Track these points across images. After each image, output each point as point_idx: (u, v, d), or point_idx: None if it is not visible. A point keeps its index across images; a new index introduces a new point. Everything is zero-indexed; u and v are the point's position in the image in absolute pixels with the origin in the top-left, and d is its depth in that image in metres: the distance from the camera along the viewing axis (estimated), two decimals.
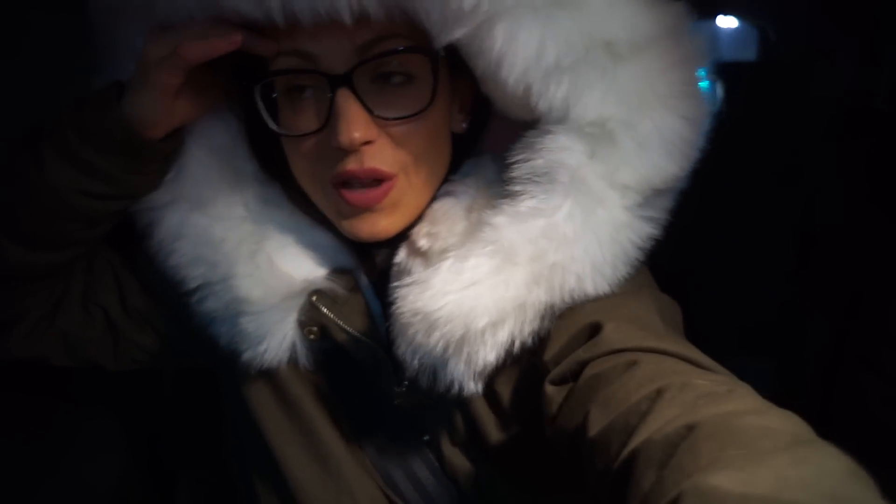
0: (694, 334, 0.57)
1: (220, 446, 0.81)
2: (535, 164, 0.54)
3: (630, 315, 0.55)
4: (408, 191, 0.58)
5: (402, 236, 0.61)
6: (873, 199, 0.93)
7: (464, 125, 0.63)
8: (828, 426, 0.40)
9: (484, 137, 0.64)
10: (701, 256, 1.44)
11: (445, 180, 0.62)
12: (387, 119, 0.54)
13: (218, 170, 0.63)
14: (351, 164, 0.55)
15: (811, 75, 1.44)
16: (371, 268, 0.66)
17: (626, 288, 0.56)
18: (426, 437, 0.68)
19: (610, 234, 0.54)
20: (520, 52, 0.50)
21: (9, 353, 0.69)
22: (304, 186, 0.61)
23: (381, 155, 0.55)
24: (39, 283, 0.65)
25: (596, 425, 0.46)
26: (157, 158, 0.60)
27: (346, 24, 0.50)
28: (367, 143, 0.54)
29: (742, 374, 0.48)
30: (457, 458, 0.67)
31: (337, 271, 0.65)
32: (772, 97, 1.47)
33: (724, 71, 1.63)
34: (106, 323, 0.71)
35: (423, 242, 0.59)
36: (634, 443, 0.41)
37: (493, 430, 0.64)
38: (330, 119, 0.53)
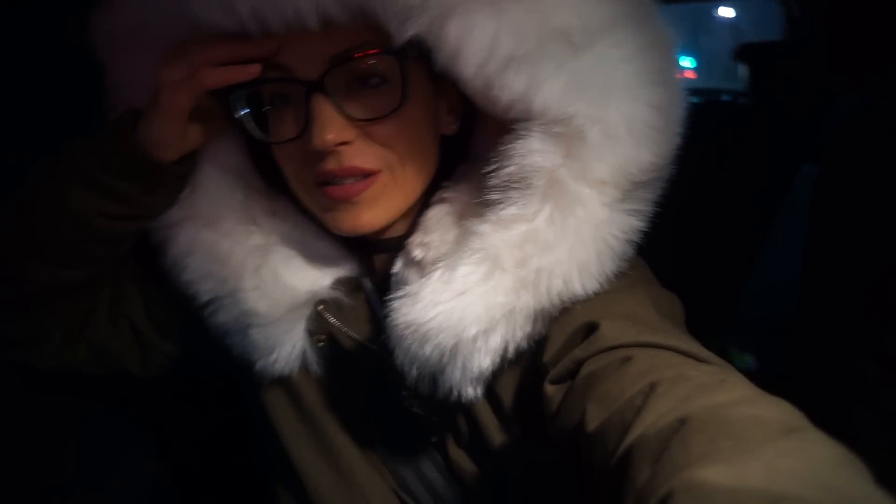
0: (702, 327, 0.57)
1: (243, 453, 0.84)
2: (509, 171, 0.54)
3: (625, 311, 0.55)
4: (392, 187, 0.59)
5: (401, 243, 0.62)
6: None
7: (454, 126, 0.63)
8: (834, 417, 0.40)
9: (478, 140, 0.64)
10: (720, 244, 1.43)
11: (440, 186, 0.62)
12: (360, 120, 0.55)
13: (228, 187, 0.65)
14: (330, 164, 0.56)
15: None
16: (374, 274, 0.67)
17: (621, 284, 0.56)
18: (434, 439, 0.69)
19: (591, 233, 0.53)
20: (474, 45, 0.50)
21: (41, 364, 0.72)
22: (294, 190, 0.62)
23: (360, 154, 0.56)
24: (67, 299, 0.68)
25: (593, 422, 0.46)
26: (173, 180, 0.62)
27: (313, 28, 0.51)
28: (344, 143, 0.55)
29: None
30: (462, 459, 0.68)
31: (342, 280, 0.66)
32: (798, 76, 1.44)
33: (748, 52, 1.61)
34: (133, 333, 0.74)
35: (416, 252, 0.60)
36: (630, 438, 0.42)
37: (495, 433, 0.64)
38: (307, 125, 0.55)
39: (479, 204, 0.58)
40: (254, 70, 0.55)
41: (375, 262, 0.66)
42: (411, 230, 0.62)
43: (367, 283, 0.67)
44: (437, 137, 0.62)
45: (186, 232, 0.64)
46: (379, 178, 0.57)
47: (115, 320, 0.72)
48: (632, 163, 0.52)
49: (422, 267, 0.59)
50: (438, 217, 0.60)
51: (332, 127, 0.54)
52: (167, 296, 0.70)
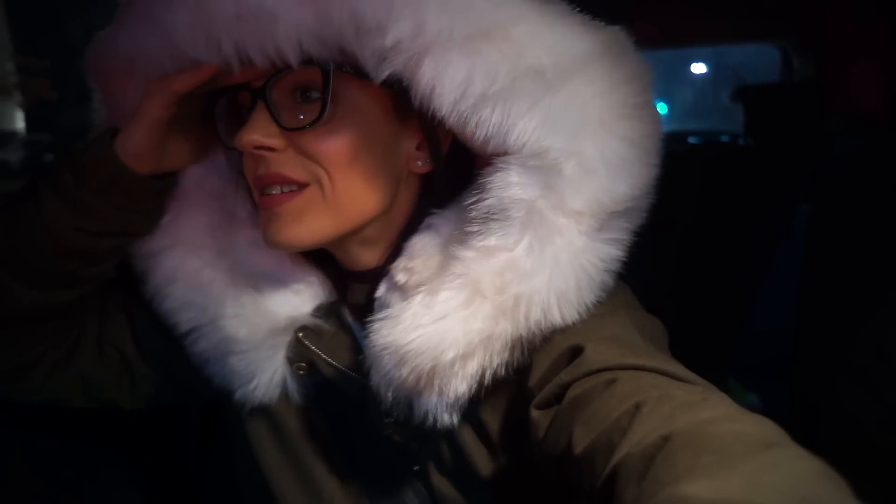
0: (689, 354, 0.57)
1: (228, 488, 0.83)
2: (489, 202, 0.55)
3: (609, 335, 0.55)
4: (320, 205, 0.58)
5: (381, 272, 0.62)
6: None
7: (424, 164, 0.62)
8: (819, 445, 0.40)
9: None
10: (709, 275, 1.44)
11: (429, 213, 0.62)
12: (287, 129, 0.56)
13: (213, 215, 0.66)
14: (260, 169, 0.57)
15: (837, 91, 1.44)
16: (352, 303, 0.67)
17: (603, 310, 0.57)
18: (416, 468, 0.68)
19: (570, 260, 0.54)
20: (447, 84, 0.52)
21: (29, 397, 0.71)
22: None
23: (289, 164, 0.57)
24: (52, 324, 0.67)
25: (580, 445, 0.47)
26: (150, 196, 0.63)
27: (294, 65, 0.54)
28: (271, 150, 0.56)
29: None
30: (446, 487, 0.67)
31: (322, 307, 0.66)
32: (794, 118, 1.47)
33: (745, 93, 1.64)
34: (121, 363, 0.73)
35: (400, 277, 0.59)
36: (616, 458, 0.42)
37: (482, 460, 0.63)
38: None
39: (464, 231, 0.58)
40: (212, 67, 0.56)
41: (352, 291, 0.66)
42: (389, 260, 0.62)
43: (347, 311, 0.67)
44: (397, 171, 0.61)
45: (169, 260, 0.65)
46: (305, 193, 0.57)
47: (104, 349, 0.72)
48: (607, 194, 0.53)
49: (404, 291, 0.59)
50: (424, 243, 0.60)
51: (257, 129, 0.56)
52: (157, 323, 0.69)
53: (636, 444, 0.42)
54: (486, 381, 0.55)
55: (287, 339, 0.66)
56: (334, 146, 0.57)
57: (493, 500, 0.65)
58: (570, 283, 0.54)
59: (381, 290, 0.61)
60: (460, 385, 0.55)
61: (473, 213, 0.56)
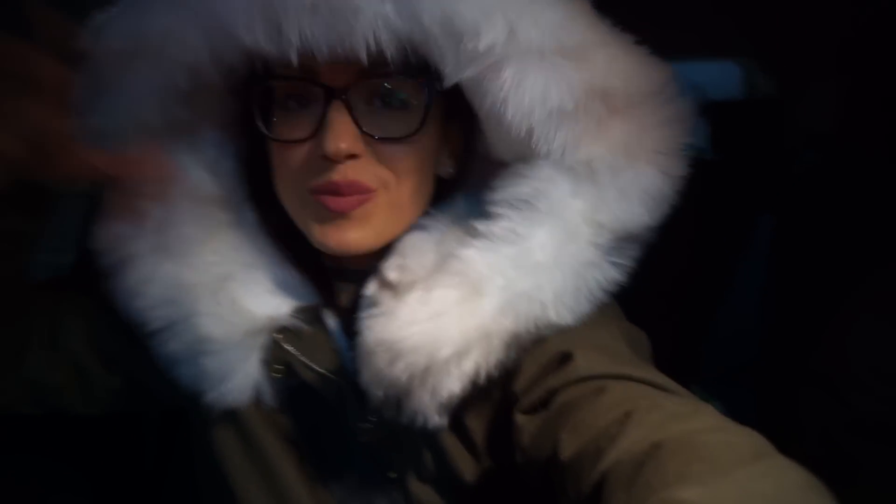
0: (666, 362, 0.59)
1: (191, 496, 0.80)
2: (520, 190, 0.56)
3: (598, 343, 0.56)
4: (384, 208, 0.58)
5: (368, 272, 0.62)
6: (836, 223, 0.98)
7: (451, 171, 0.64)
8: (785, 451, 0.41)
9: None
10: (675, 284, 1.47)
11: (423, 213, 0.63)
12: (374, 138, 0.56)
13: (198, 218, 0.64)
14: (335, 176, 0.56)
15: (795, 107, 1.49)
16: (335, 304, 0.66)
17: (594, 318, 0.58)
18: (392, 475, 0.67)
19: (576, 269, 0.56)
20: (526, 95, 0.53)
21: None
22: (284, 197, 0.61)
23: (365, 171, 0.56)
24: None
25: (567, 451, 0.47)
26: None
27: (362, 60, 0.52)
28: (353, 156, 0.56)
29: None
30: (427, 494, 0.66)
31: (302, 309, 0.65)
32: (756, 133, 1.51)
33: (709, 109, 1.68)
34: (75, 368, 0.70)
35: (392, 275, 0.59)
36: (604, 464, 0.43)
37: (466, 466, 0.63)
38: (320, 129, 0.55)
39: (457, 233, 0.59)
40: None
41: (337, 292, 0.66)
42: (377, 260, 0.61)
43: (328, 313, 0.66)
44: (433, 176, 0.63)
45: (150, 260, 0.62)
46: (374, 198, 0.58)
47: (54, 354, 0.69)
48: (631, 217, 0.56)
49: (396, 289, 0.59)
50: (416, 242, 0.61)
51: (346, 137, 0.54)
52: (117, 325, 0.67)
53: (626, 450, 0.42)
54: (480, 381, 0.55)
55: (263, 339, 0.64)
56: (412, 158, 0.58)
57: (475, 503, 0.64)
58: (569, 288, 0.56)
59: (371, 289, 0.61)
60: (454, 384, 0.55)
61: (498, 196, 0.57)
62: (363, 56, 0.52)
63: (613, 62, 0.55)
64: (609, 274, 0.57)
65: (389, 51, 0.52)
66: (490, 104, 0.54)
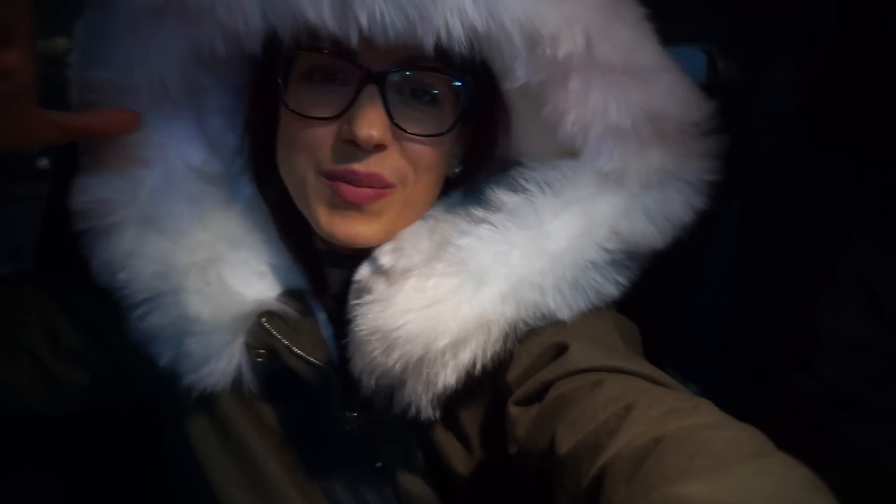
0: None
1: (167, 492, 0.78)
2: (550, 173, 0.57)
3: (593, 335, 0.56)
4: (398, 205, 0.57)
5: (359, 258, 0.60)
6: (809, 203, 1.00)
7: (455, 171, 0.63)
8: (762, 425, 0.42)
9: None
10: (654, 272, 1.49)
11: None
12: (405, 131, 0.54)
13: (193, 193, 0.61)
14: (356, 165, 0.54)
15: (759, 92, 1.52)
16: (324, 290, 0.64)
17: (588, 311, 0.58)
18: (378, 465, 0.65)
19: (578, 263, 0.56)
20: (589, 108, 0.53)
21: None
22: (288, 175, 0.59)
23: (386, 163, 0.55)
24: None
25: (564, 445, 0.46)
26: None
27: (427, 52, 0.51)
28: (380, 146, 0.54)
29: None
30: (416, 486, 0.65)
31: (289, 293, 0.63)
32: (723, 118, 1.54)
33: None
34: (34, 367, 0.68)
35: (386, 259, 0.58)
36: (603, 458, 0.42)
37: (457, 457, 0.62)
38: (349, 111, 0.53)
39: (451, 221, 0.58)
40: None
41: (327, 277, 0.64)
42: (369, 248, 0.60)
43: (316, 299, 0.64)
44: (444, 174, 0.62)
45: (136, 234, 0.60)
46: (390, 194, 0.56)
47: (12, 354, 0.66)
48: (647, 240, 0.57)
49: (390, 275, 0.57)
50: (410, 228, 0.60)
51: (379, 125, 0.53)
52: (80, 318, 0.65)
53: (626, 445, 0.42)
54: (475, 373, 0.55)
55: (248, 323, 0.62)
56: (433, 157, 0.57)
57: (469, 495, 0.64)
58: (567, 282, 0.56)
59: (363, 274, 0.59)
60: (449, 376, 0.54)
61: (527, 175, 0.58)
62: (429, 47, 0.50)
63: (672, 88, 0.56)
64: (607, 288, 0.58)
65: (458, 45, 0.50)
66: (549, 111, 0.55)
